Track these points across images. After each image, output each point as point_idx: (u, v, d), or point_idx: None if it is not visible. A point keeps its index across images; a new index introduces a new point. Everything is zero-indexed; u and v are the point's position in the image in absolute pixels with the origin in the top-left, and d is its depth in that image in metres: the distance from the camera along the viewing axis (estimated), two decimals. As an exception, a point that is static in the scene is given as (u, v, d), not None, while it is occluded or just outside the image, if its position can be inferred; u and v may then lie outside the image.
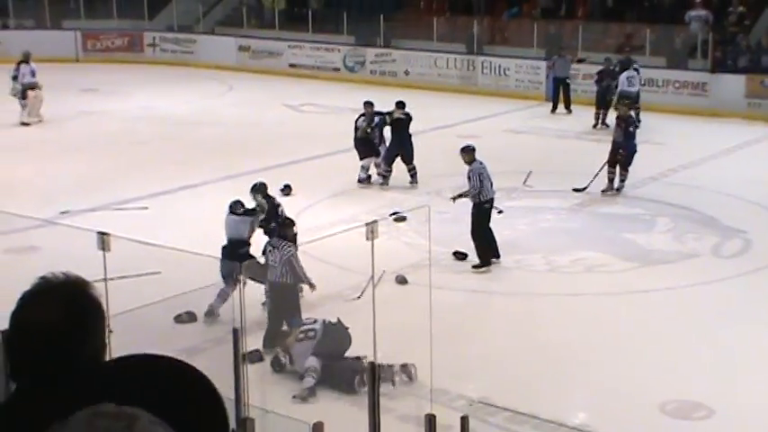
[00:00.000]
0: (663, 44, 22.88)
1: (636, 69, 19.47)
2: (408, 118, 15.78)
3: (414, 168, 15.55)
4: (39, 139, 18.70)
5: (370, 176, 15.59)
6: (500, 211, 13.85)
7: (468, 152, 12.02)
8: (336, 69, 26.26)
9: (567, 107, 20.95)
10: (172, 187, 15.14)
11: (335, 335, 9.14)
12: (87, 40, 29.31)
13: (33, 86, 20.15)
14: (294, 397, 8.62)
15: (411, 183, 15.51)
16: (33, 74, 20.18)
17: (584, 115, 19.95)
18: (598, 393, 8.81)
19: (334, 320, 9.18)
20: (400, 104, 16.00)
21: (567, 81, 21.07)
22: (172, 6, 29.92)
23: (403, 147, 15.58)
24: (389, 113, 15.85)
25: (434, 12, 26.86)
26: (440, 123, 20.07)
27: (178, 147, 18.22)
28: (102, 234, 7.18)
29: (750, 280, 11.56)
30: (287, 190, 14.66)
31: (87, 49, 29.25)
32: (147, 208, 14.00)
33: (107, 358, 1.89)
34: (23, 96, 20.02)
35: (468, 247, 12.32)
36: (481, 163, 11.90)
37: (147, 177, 15.69)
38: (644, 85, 19.87)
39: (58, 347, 1.84)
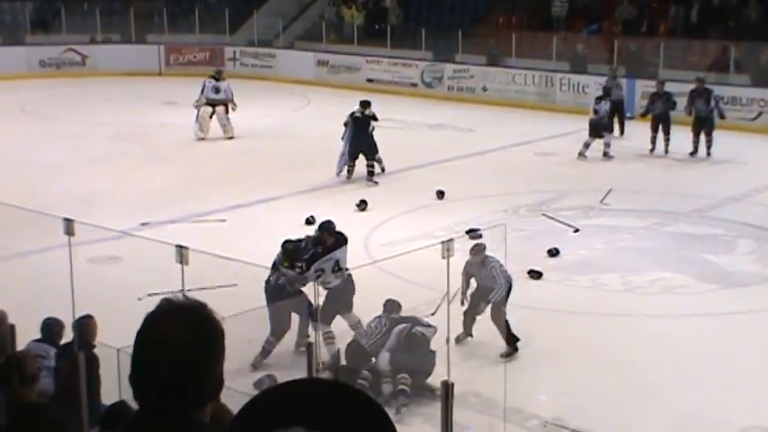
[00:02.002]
0: (748, 62, 22.40)
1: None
2: (365, 117, 16.64)
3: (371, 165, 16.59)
4: (120, 150, 19.09)
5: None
6: (576, 230, 13.77)
7: (480, 252, 10.15)
8: (414, 85, 26.31)
9: (621, 129, 20.32)
10: (249, 200, 15.32)
11: (418, 350, 9.09)
12: (170, 54, 29.89)
13: (214, 103, 20.05)
14: None
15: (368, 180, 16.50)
16: (217, 90, 20.02)
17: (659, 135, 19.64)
18: (674, 418, 8.64)
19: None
20: (364, 104, 16.81)
21: (621, 103, 20.36)
22: (252, 21, 30.35)
23: (364, 143, 16.49)
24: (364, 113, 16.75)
25: (513, 27, 26.75)
26: (517, 140, 19.98)
27: (256, 160, 18.44)
28: (180, 248, 7.29)
29: (835, 305, 11.23)
30: (363, 205, 14.81)
31: (170, 62, 29.83)
32: (224, 220, 14.19)
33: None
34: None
35: (544, 265, 12.24)
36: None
37: (226, 190, 15.90)
38: (727, 103, 19.41)
39: (189, 367, 1.83)
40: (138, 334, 1.89)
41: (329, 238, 10.00)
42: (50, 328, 7.96)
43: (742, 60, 22.41)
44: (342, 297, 9.78)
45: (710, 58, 22.88)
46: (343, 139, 16.77)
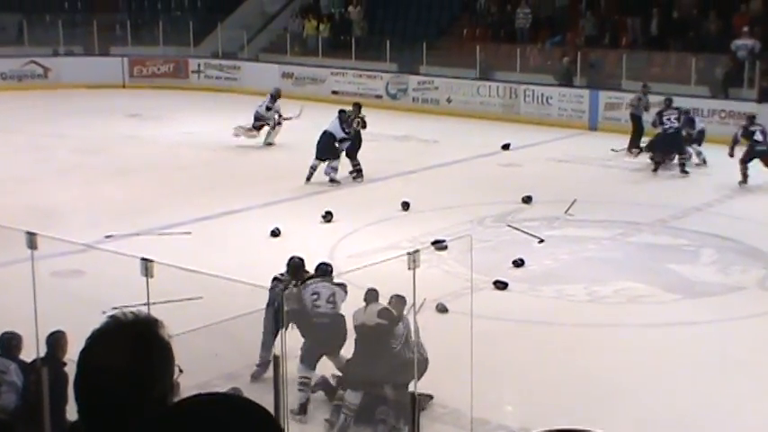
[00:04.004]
0: (707, 74, 22.65)
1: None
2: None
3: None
4: (84, 163, 18.95)
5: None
6: (541, 241, 13.85)
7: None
8: (379, 96, 26.36)
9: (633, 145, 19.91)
10: (215, 212, 15.25)
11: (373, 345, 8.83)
12: (134, 66, 29.74)
13: (262, 118, 20.66)
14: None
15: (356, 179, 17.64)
16: (268, 109, 20.67)
17: (625, 144, 19.82)
18: (639, 426, 8.69)
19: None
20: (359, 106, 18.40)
21: (640, 120, 19.97)
22: (217, 33, 30.27)
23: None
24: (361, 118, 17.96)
25: (477, 39, 26.89)
26: (482, 151, 20.06)
27: (222, 172, 18.37)
28: (145, 260, 7.24)
29: (797, 313, 11.37)
30: (328, 217, 14.80)
31: (134, 75, 29.68)
32: (190, 233, 14.11)
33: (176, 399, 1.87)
34: (268, 125, 20.66)
35: (509, 276, 12.29)
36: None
37: (191, 202, 15.82)
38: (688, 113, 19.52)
39: (124, 390, 1.82)
40: (80, 354, 1.88)
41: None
42: (9, 342, 7.84)
43: (702, 72, 22.62)
44: (331, 339, 9.23)
45: (671, 70, 23.13)
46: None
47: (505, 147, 20.09)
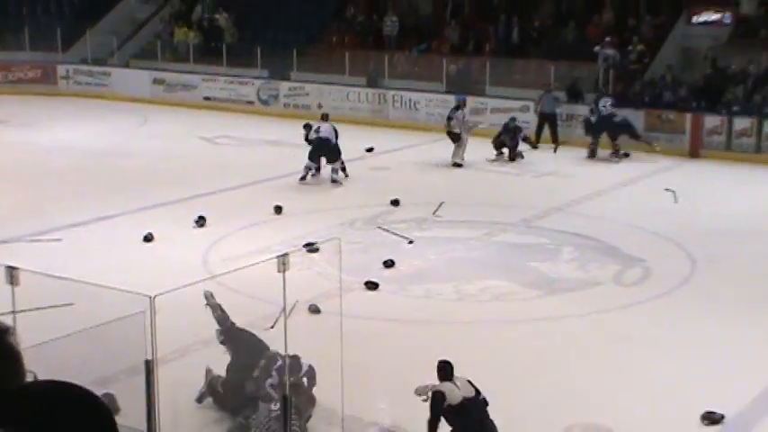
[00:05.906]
0: (564, 80, 23.53)
1: None
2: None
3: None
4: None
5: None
6: (410, 242, 14.24)
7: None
8: (250, 102, 26.44)
9: (555, 142, 21.31)
10: (86, 219, 15.11)
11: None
12: (-2, 72, 28.98)
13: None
14: None
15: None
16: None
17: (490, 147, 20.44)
18: (504, 419, 9.05)
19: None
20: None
21: (554, 117, 21.58)
22: (85, 39, 29.74)
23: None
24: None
25: (346, 46, 27.24)
26: (352, 156, 20.33)
27: (93, 179, 18.16)
28: (10, 268, 7.22)
29: (650, 306, 11.98)
30: (201, 221, 14.85)
31: (-2, 80, 28.92)
32: (60, 240, 13.97)
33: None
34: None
35: (379, 276, 12.61)
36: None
37: (61, 209, 15.62)
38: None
39: None
40: None
41: None
42: None
43: (561, 78, 23.49)
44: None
45: (532, 76, 23.97)
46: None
47: (369, 150, 20.57)
